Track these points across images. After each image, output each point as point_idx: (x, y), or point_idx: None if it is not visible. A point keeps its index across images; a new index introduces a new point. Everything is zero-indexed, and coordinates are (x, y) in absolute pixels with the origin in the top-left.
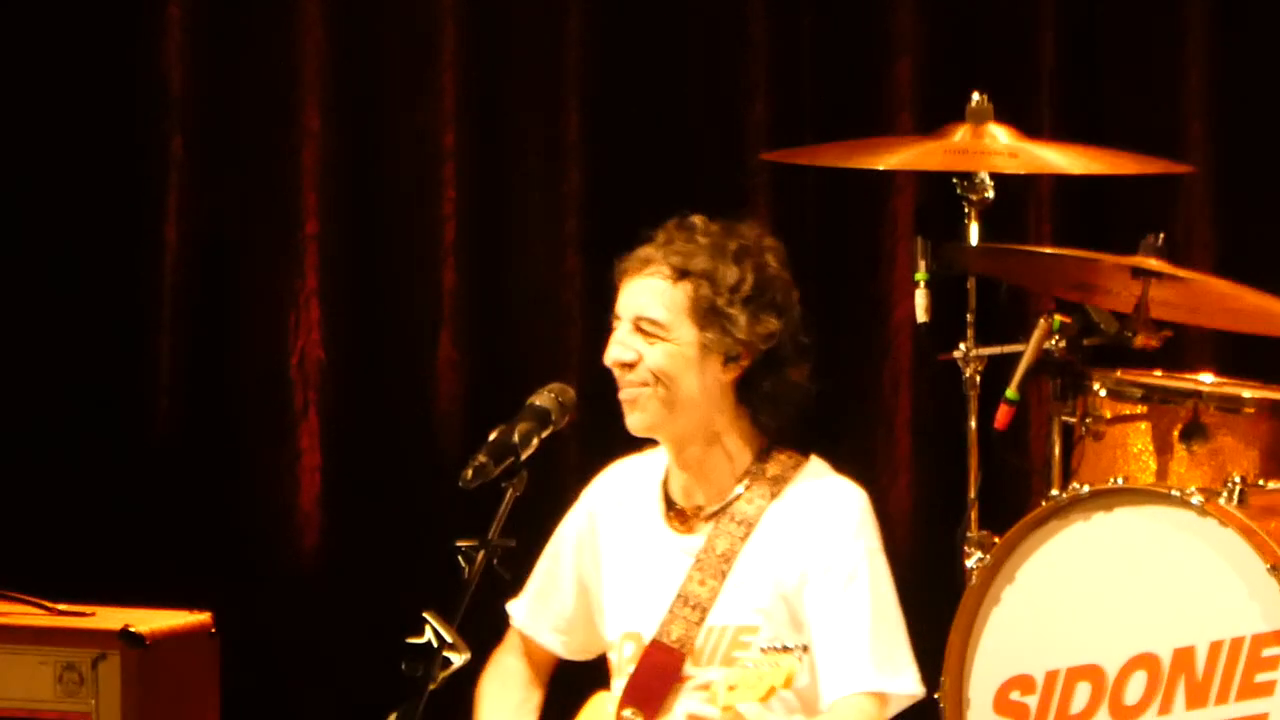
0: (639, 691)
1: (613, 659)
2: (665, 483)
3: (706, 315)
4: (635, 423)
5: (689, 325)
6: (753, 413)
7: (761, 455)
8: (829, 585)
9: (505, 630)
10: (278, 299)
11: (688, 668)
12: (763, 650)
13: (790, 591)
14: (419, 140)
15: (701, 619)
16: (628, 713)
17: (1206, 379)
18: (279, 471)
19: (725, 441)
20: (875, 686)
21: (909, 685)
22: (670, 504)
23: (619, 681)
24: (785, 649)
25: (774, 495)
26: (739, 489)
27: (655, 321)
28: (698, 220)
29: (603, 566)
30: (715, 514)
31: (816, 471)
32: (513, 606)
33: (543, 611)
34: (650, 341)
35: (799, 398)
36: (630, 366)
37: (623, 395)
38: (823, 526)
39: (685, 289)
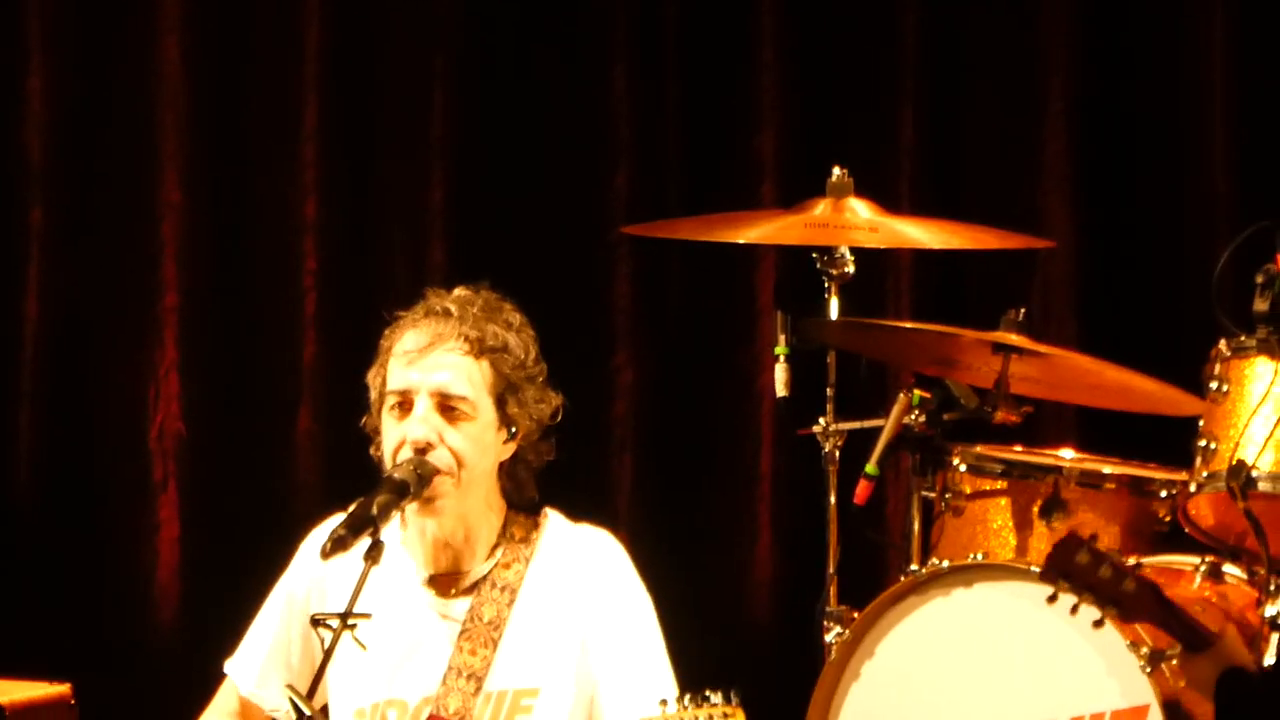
0: None
1: None
2: (408, 548)
3: (505, 392)
4: (437, 514)
5: (489, 404)
6: (507, 482)
7: (506, 520)
8: (615, 632)
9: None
10: (138, 371)
11: None
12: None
13: (571, 647)
14: (280, 212)
15: (478, 689)
16: None
17: (1067, 454)
18: (138, 543)
19: (486, 512)
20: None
21: None
22: (423, 572)
23: None
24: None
25: (529, 557)
26: (497, 555)
27: (464, 399)
28: (466, 292)
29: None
30: (475, 581)
31: (560, 525)
32: (236, 669)
33: (274, 672)
34: (452, 421)
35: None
36: (430, 449)
37: (429, 491)
38: (590, 577)
39: (484, 365)
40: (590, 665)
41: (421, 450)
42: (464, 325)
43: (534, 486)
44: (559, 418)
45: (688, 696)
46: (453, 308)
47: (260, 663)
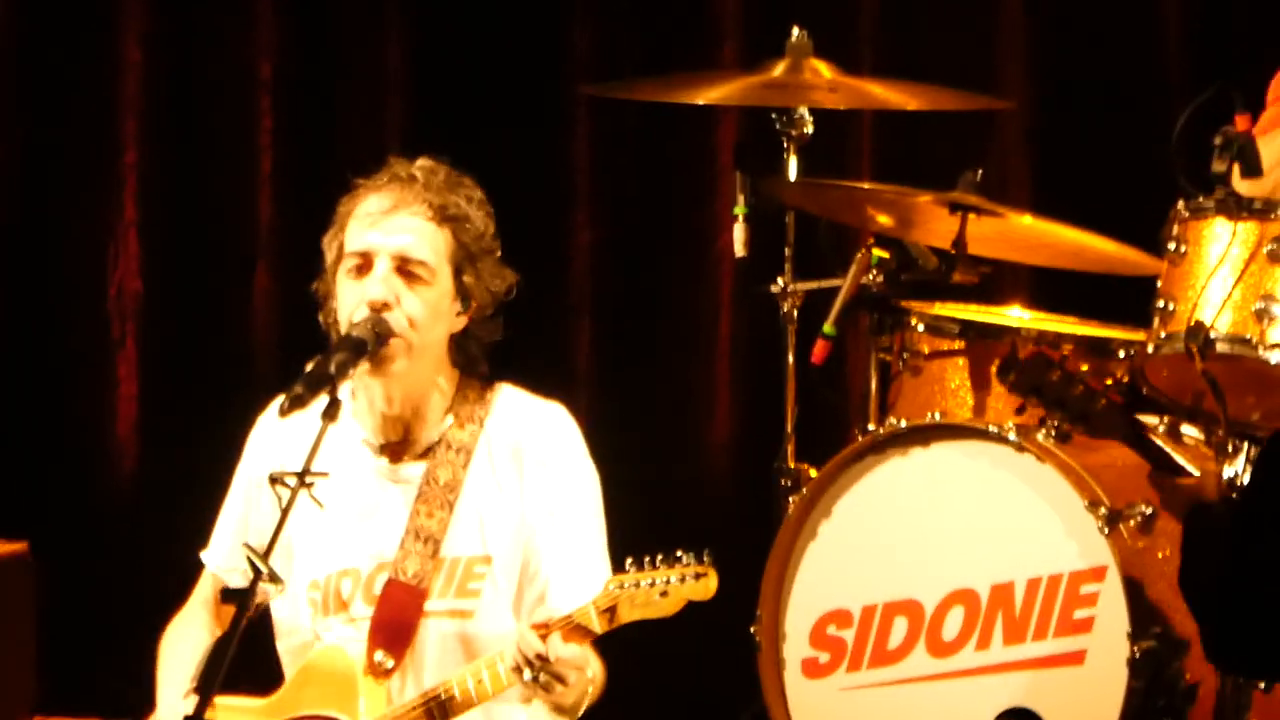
0: (385, 632)
1: (313, 598)
2: (358, 417)
3: (464, 261)
4: (388, 376)
5: (448, 271)
6: (459, 353)
7: (460, 385)
8: (557, 507)
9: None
10: (96, 230)
11: (427, 603)
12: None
13: (518, 516)
14: (237, 70)
15: (435, 551)
16: (379, 656)
17: (1024, 315)
18: (97, 400)
19: (436, 380)
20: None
21: None
22: (375, 438)
23: (326, 622)
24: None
25: (483, 419)
26: (449, 420)
27: (424, 264)
28: (429, 162)
29: (297, 507)
30: (428, 447)
31: (514, 394)
32: (211, 558)
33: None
34: (410, 284)
35: (495, 341)
36: (387, 309)
37: (384, 352)
38: (538, 452)
39: (446, 233)
40: (534, 542)
41: (378, 310)
42: (428, 192)
43: (484, 363)
44: (513, 295)
45: (659, 557)
46: (418, 174)
47: (233, 546)
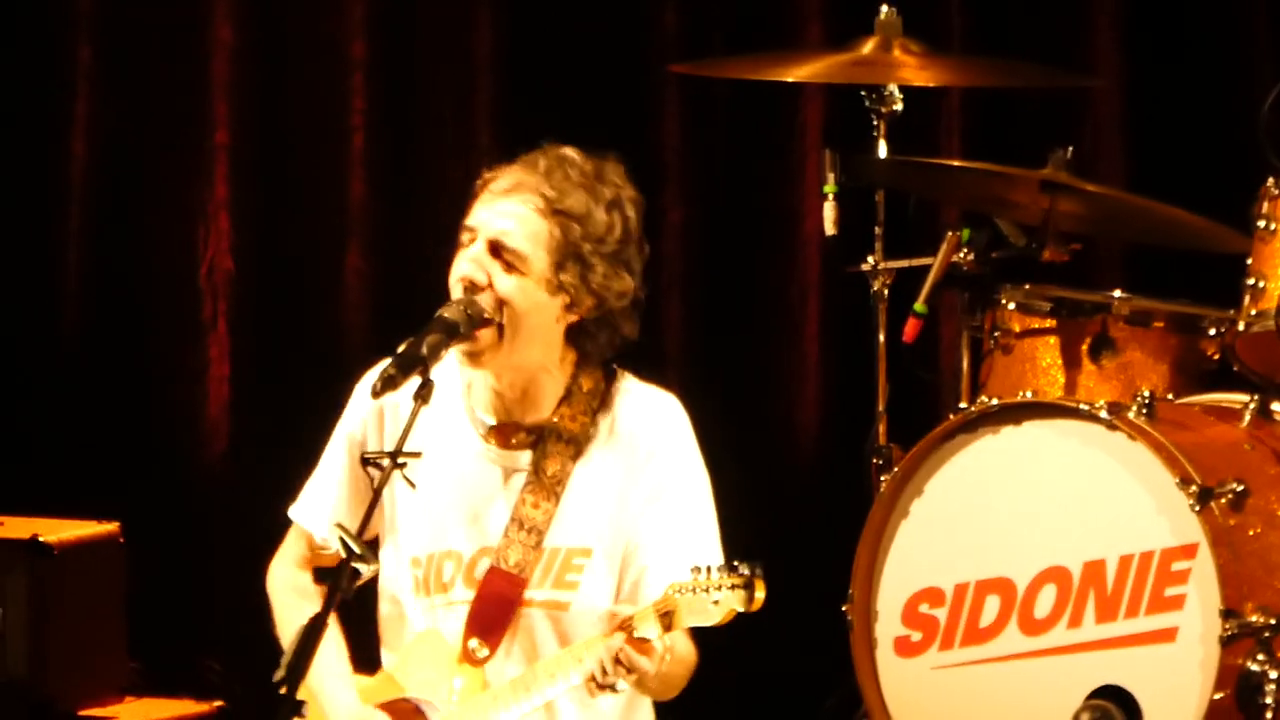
0: (482, 620)
1: (415, 575)
2: (469, 397)
3: (568, 258)
4: (478, 366)
5: (547, 263)
6: (577, 349)
7: (575, 374)
8: (666, 506)
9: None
10: (187, 210)
11: (526, 593)
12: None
13: (624, 509)
14: (328, 50)
15: (538, 542)
16: (473, 644)
17: (1115, 293)
18: (188, 381)
19: (549, 368)
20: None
21: None
22: (485, 421)
23: (427, 601)
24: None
25: (595, 412)
26: (562, 409)
27: (516, 251)
28: (574, 154)
29: (395, 479)
30: (539, 434)
31: (630, 385)
32: (303, 514)
33: (343, 514)
34: (505, 268)
35: (621, 347)
36: (478, 289)
37: (472, 344)
38: (650, 444)
39: (553, 226)
40: (638, 529)
41: (469, 289)
42: (548, 182)
43: (605, 358)
44: (627, 301)
45: (717, 565)
46: (545, 163)
47: (330, 506)
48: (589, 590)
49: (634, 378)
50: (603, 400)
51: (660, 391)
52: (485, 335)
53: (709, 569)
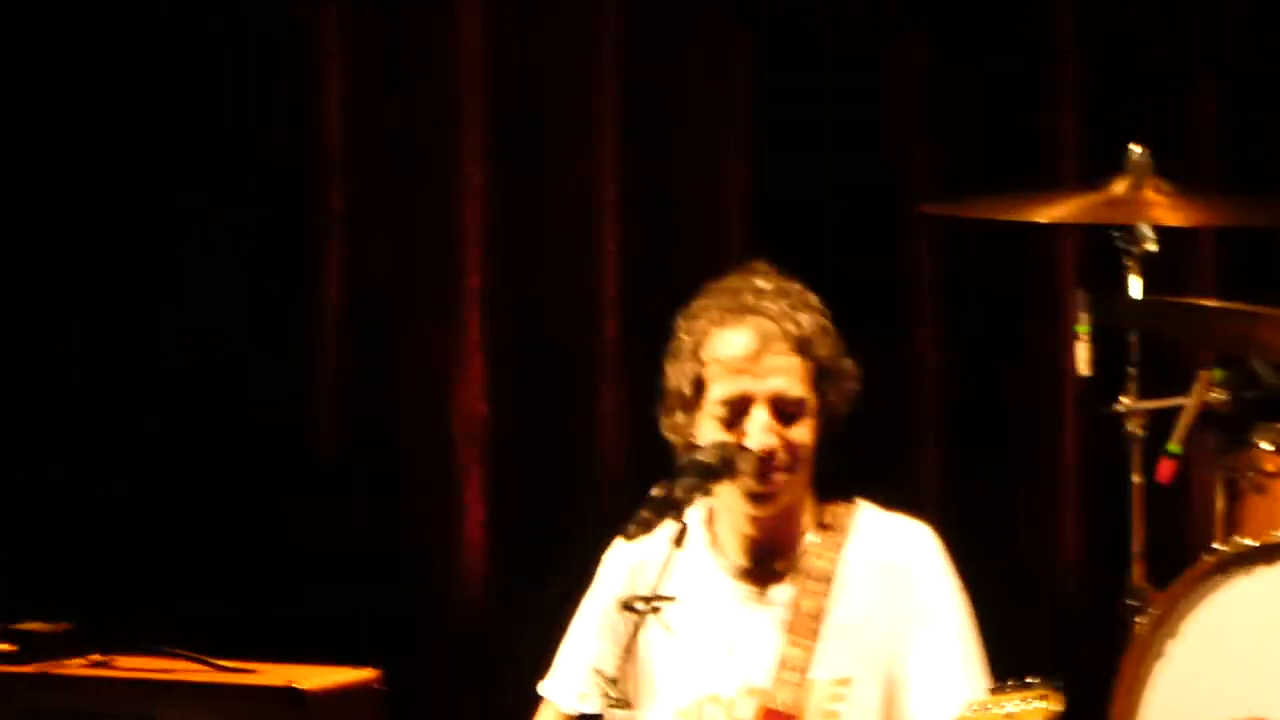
0: None
1: None
2: (716, 543)
3: (821, 384)
4: (774, 509)
5: (814, 398)
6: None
7: (819, 506)
8: (929, 629)
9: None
10: (440, 354)
11: None
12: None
13: (883, 639)
14: (581, 193)
15: (803, 680)
16: None
17: None
18: (443, 526)
19: (804, 500)
20: None
21: None
22: (735, 564)
23: None
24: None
25: (841, 545)
26: (810, 544)
27: (799, 401)
28: (769, 281)
29: (650, 634)
30: (789, 571)
31: (873, 514)
32: (555, 690)
33: (594, 685)
34: (789, 424)
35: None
36: (776, 457)
37: (770, 486)
38: (907, 572)
39: (808, 360)
40: (902, 660)
41: (769, 459)
42: (785, 322)
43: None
44: (858, 389)
45: (1010, 682)
46: (769, 305)
47: (578, 676)
48: (849, 719)
49: (875, 506)
50: (850, 531)
51: (909, 519)
52: (781, 480)
53: (1007, 685)
